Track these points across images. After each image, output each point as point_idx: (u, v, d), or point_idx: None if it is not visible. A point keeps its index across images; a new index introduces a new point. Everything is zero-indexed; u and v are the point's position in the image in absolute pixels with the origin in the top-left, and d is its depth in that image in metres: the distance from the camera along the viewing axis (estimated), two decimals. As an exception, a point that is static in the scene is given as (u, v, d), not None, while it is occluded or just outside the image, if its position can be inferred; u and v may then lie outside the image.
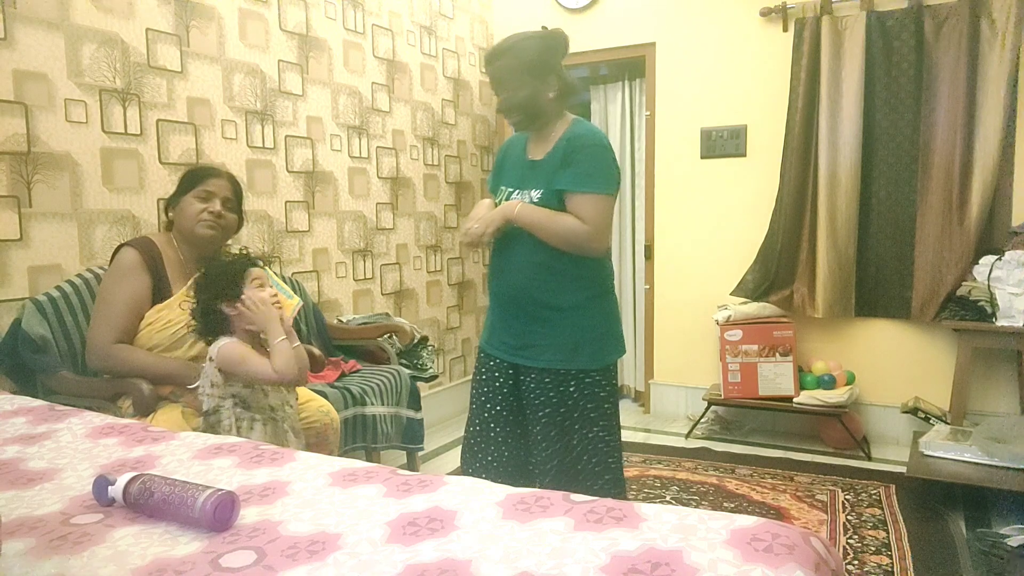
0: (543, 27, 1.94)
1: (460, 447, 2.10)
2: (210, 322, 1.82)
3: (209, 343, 1.83)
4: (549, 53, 1.86)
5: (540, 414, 1.88)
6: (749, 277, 3.71)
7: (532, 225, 1.82)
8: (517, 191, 1.90)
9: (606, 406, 1.90)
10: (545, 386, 1.86)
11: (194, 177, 2.10)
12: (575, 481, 1.86)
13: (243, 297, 1.80)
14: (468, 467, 2.02)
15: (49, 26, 2.15)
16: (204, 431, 1.78)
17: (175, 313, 1.95)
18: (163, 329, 1.94)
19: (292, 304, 2.29)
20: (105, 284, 2.00)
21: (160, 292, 1.99)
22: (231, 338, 1.81)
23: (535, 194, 1.84)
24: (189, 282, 1.92)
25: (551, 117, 1.89)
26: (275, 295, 1.87)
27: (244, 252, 1.91)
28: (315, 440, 2.06)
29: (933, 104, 3.31)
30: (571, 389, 1.85)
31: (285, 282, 2.75)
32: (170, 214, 2.10)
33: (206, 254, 2.08)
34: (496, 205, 1.95)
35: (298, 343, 1.86)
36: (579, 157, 1.79)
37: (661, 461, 3.29)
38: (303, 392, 2.21)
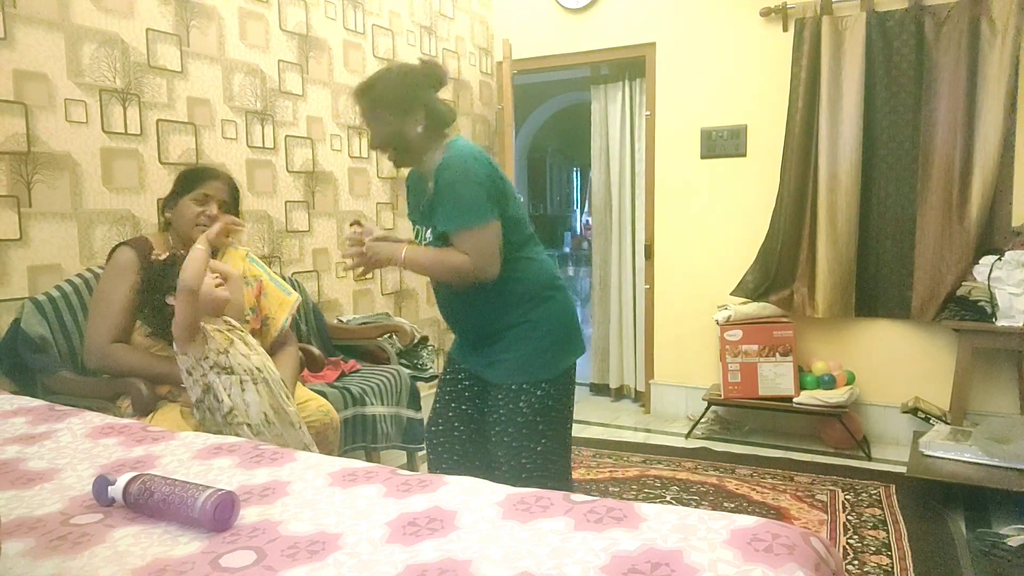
0: (420, 57, 1.89)
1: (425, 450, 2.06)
2: (163, 319, 1.83)
3: (170, 342, 1.85)
4: (411, 87, 1.78)
5: (495, 429, 1.85)
6: (749, 277, 3.71)
7: (419, 269, 1.78)
8: (427, 229, 1.83)
9: (554, 415, 1.85)
10: (498, 402, 1.83)
11: (191, 179, 2.10)
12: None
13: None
14: (434, 468, 1.98)
15: (49, 26, 2.15)
16: (203, 418, 1.78)
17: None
18: None
19: (291, 301, 2.29)
20: (102, 284, 2.00)
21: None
22: None
23: (428, 234, 1.80)
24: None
25: (424, 150, 1.80)
26: (217, 278, 1.87)
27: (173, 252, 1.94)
28: (314, 439, 2.06)
29: (933, 104, 3.31)
30: (521, 404, 1.80)
31: (285, 280, 2.75)
32: (167, 215, 2.10)
33: None
34: (413, 242, 1.90)
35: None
36: (445, 194, 1.72)
37: (661, 461, 3.29)
38: (302, 392, 2.21)
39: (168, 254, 1.93)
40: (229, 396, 1.77)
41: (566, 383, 1.88)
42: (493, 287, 1.77)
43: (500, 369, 1.84)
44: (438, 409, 2.01)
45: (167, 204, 2.11)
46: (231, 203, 2.15)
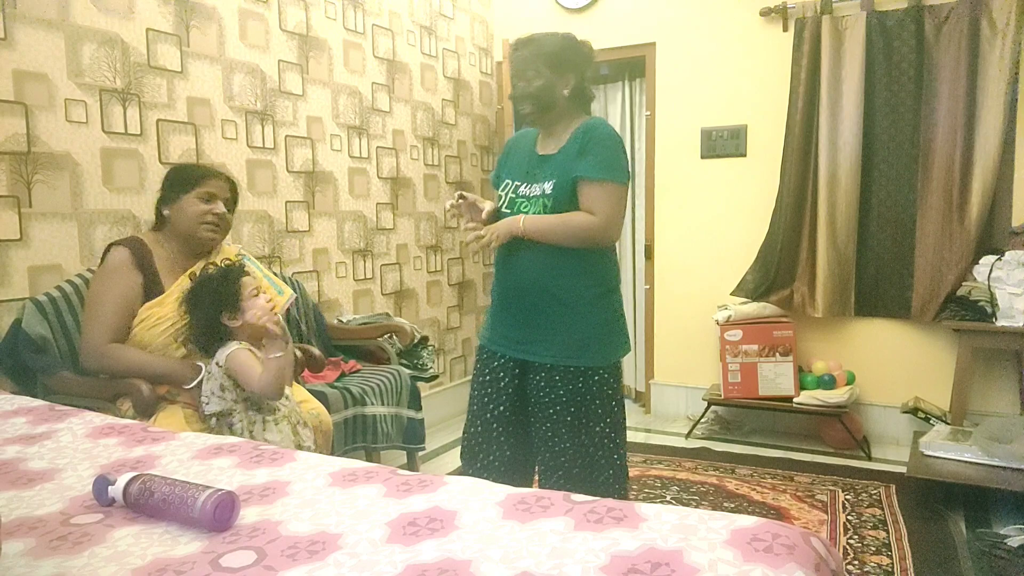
0: (574, 35, 1.98)
1: (460, 447, 2.09)
2: (212, 337, 1.83)
3: (210, 354, 1.84)
4: (571, 53, 1.90)
5: (550, 411, 1.88)
6: (749, 277, 3.71)
7: (540, 234, 1.83)
8: (524, 184, 1.91)
9: (613, 403, 1.91)
10: (555, 384, 1.87)
11: (193, 177, 2.08)
12: (583, 478, 1.87)
13: (245, 309, 1.81)
14: (469, 468, 2.02)
15: (49, 26, 2.15)
16: (209, 428, 1.79)
17: (167, 309, 1.95)
18: (155, 326, 1.94)
19: (283, 299, 2.29)
20: (95, 285, 1.99)
21: (151, 290, 1.98)
22: (238, 343, 1.81)
23: (548, 186, 1.85)
24: (178, 294, 1.93)
25: (562, 114, 1.91)
26: (270, 300, 1.88)
27: (230, 261, 1.93)
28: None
29: (933, 104, 3.31)
30: (580, 386, 1.86)
31: (284, 280, 2.75)
32: (165, 212, 2.08)
33: (201, 253, 2.08)
34: (500, 197, 1.97)
35: (288, 348, 1.85)
36: (596, 147, 1.82)
37: (661, 461, 3.29)
38: (298, 392, 2.21)
39: (221, 265, 1.92)
40: (251, 433, 1.79)
41: (617, 375, 1.95)
42: (586, 257, 1.86)
43: (554, 349, 1.87)
44: (475, 411, 2.03)
45: (165, 202, 2.08)
46: (232, 201, 2.15)
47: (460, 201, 1.92)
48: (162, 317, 1.95)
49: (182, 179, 2.08)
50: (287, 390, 1.93)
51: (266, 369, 1.76)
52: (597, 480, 1.89)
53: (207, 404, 1.80)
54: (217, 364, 1.79)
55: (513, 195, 1.93)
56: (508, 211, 1.93)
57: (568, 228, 1.82)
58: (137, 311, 1.96)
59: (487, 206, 1.97)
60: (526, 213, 1.87)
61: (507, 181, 1.97)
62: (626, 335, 1.98)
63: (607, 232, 1.83)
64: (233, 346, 1.80)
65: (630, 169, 1.93)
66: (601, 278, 1.91)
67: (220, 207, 2.06)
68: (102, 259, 2.03)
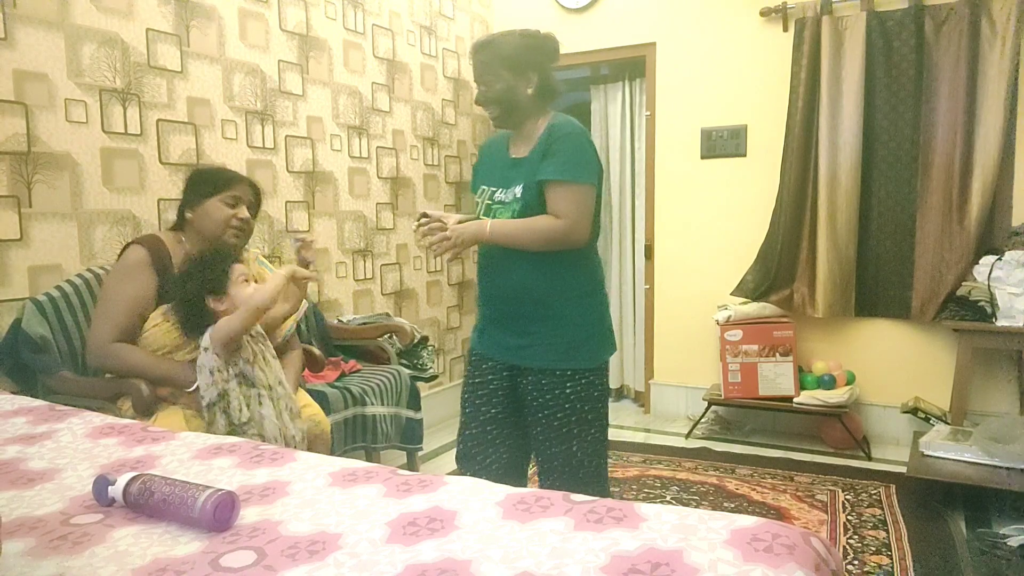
0: (537, 30, 1.94)
1: (455, 451, 2.07)
2: (195, 317, 1.83)
3: (192, 337, 1.85)
4: (531, 51, 1.86)
5: (540, 415, 1.87)
6: (749, 277, 3.71)
7: (507, 239, 1.81)
8: (500, 189, 1.89)
9: (599, 406, 1.90)
10: (543, 388, 1.86)
11: (220, 181, 2.06)
12: (574, 481, 1.86)
13: (233, 295, 1.83)
14: (466, 471, 2.00)
15: (49, 26, 2.15)
16: (211, 421, 1.80)
17: None
18: (168, 332, 1.93)
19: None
20: (109, 281, 1.99)
21: (166, 292, 1.98)
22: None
23: (518, 190, 1.84)
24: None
25: (529, 114, 1.88)
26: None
27: (226, 248, 1.94)
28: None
29: (933, 104, 3.31)
30: (567, 391, 1.84)
31: None
32: (188, 215, 2.06)
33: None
34: (477, 204, 1.95)
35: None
36: (559, 147, 1.79)
37: (661, 461, 3.29)
38: (300, 396, 2.20)
39: (207, 249, 1.92)
40: (248, 407, 1.80)
41: (604, 377, 1.93)
42: (568, 257, 1.83)
43: (544, 353, 1.85)
44: (469, 414, 2.01)
45: (189, 203, 2.06)
46: (256, 206, 2.14)
47: (424, 220, 1.88)
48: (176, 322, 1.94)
49: (207, 182, 2.06)
50: (279, 376, 1.93)
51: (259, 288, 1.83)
52: (586, 483, 1.87)
53: (204, 397, 1.80)
54: (204, 349, 1.79)
55: (489, 201, 1.90)
56: (486, 218, 1.90)
57: (533, 232, 1.78)
58: (148, 312, 1.94)
59: (451, 220, 1.92)
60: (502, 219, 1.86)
61: (483, 187, 1.95)
62: (612, 334, 1.97)
63: (573, 234, 1.78)
64: (212, 328, 1.81)
65: (601, 167, 1.88)
66: (586, 276, 1.89)
67: (244, 212, 2.05)
68: (120, 255, 2.02)
